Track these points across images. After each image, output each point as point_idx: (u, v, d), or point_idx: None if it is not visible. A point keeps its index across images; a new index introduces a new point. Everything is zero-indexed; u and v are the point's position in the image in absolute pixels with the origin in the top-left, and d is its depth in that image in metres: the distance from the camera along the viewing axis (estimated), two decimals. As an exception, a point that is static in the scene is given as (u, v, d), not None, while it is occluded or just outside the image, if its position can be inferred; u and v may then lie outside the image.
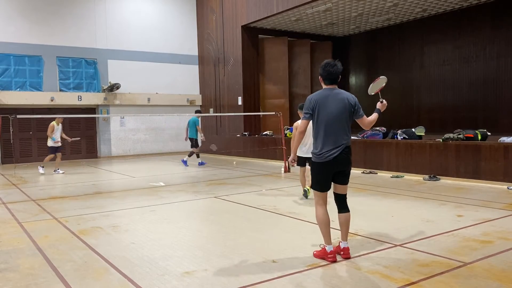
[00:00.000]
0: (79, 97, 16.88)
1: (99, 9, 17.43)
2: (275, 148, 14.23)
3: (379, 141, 11.28)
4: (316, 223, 4.43)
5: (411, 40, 16.83)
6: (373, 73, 18.74)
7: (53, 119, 12.65)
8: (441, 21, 15.49)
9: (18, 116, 10.91)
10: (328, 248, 4.28)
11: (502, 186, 8.38)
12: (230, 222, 6.12)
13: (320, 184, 4.36)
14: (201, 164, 13.93)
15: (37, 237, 5.41)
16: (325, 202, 4.40)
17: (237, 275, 3.95)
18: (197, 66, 19.98)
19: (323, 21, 16.39)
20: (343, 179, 4.40)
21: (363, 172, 10.99)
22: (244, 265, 4.25)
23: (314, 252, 4.45)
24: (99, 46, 17.42)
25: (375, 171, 10.96)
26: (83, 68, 17.15)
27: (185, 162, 13.87)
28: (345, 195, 4.47)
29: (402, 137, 10.74)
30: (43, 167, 12.57)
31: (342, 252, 4.35)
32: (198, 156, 14.14)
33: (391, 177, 10.20)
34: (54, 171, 12.56)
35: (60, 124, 12.50)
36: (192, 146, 13.98)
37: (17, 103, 15.58)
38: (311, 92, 18.53)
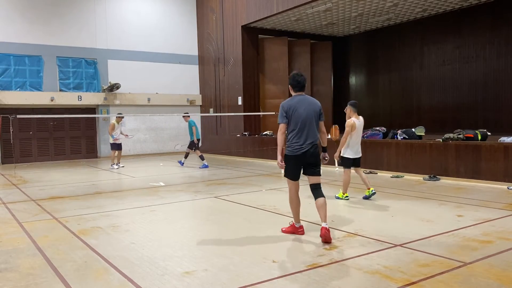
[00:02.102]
0: (79, 97, 16.88)
1: (99, 9, 17.43)
2: (275, 148, 14.22)
3: (379, 141, 11.28)
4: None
5: (411, 40, 16.83)
6: (373, 73, 18.77)
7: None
8: (441, 21, 15.49)
9: (18, 116, 10.94)
10: (297, 224, 5.22)
11: (502, 186, 8.39)
12: (230, 222, 6.12)
13: (292, 173, 5.19)
14: (180, 163, 13.96)
15: (37, 237, 5.41)
16: (297, 189, 5.27)
17: (237, 275, 3.95)
18: (197, 66, 19.98)
19: (323, 21, 16.39)
20: (313, 171, 5.19)
21: (363, 172, 10.98)
22: (244, 265, 4.25)
23: (283, 229, 5.31)
24: (99, 46, 17.42)
25: (375, 171, 10.96)
26: (83, 68, 17.15)
27: (203, 165, 13.51)
28: (319, 184, 5.23)
29: (402, 137, 10.75)
30: (112, 164, 13.73)
31: (321, 232, 4.93)
32: (186, 157, 13.97)
33: (391, 177, 10.20)
34: (111, 166, 13.64)
35: (120, 122, 13.67)
36: (192, 147, 13.74)
37: (17, 103, 15.59)
38: (311, 93, 18.72)
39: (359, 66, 19.72)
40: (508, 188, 8.22)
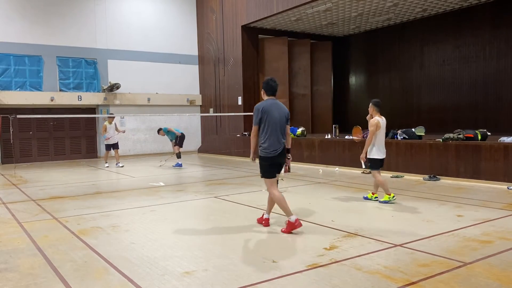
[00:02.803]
0: (79, 97, 16.88)
1: (99, 9, 17.43)
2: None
3: (360, 138, 11.25)
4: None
5: (411, 40, 16.83)
6: (373, 73, 18.77)
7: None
8: (441, 21, 15.49)
9: (18, 116, 10.94)
10: (292, 218, 5.36)
11: (502, 186, 8.39)
12: (230, 222, 6.12)
13: (270, 172, 5.53)
14: (178, 165, 13.73)
15: (37, 237, 5.41)
16: (276, 186, 5.61)
17: (237, 275, 3.95)
18: (197, 66, 19.97)
19: (323, 21, 16.39)
20: (279, 169, 5.67)
21: (363, 172, 10.98)
22: (244, 265, 4.25)
23: (283, 229, 5.45)
24: (99, 46, 17.42)
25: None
26: (83, 68, 17.14)
27: (179, 165, 13.57)
28: (277, 180, 5.71)
29: (402, 137, 10.75)
30: (106, 162, 14.05)
31: (264, 222, 5.69)
32: (179, 157, 13.82)
33: (391, 177, 10.19)
34: (116, 164, 13.89)
35: (112, 122, 13.80)
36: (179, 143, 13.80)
37: (17, 103, 15.58)
38: (311, 92, 18.70)
39: (359, 66, 19.71)
40: (508, 188, 8.22)
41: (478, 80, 14.75)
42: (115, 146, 13.87)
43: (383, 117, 7.26)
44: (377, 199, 7.30)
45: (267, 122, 5.40)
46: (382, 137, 7.20)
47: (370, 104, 7.25)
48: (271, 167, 5.49)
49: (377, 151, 7.12)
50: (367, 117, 7.40)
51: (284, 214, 5.51)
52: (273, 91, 5.64)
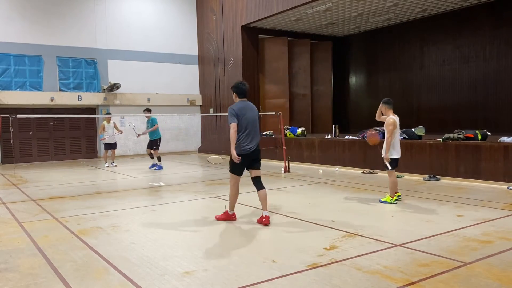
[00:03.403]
0: (79, 97, 16.88)
1: (99, 9, 17.43)
2: (275, 148, 14.23)
3: (379, 141, 11.25)
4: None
5: (411, 40, 16.82)
6: (373, 73, 18.76)
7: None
8: (441, 21, 15.48)
9: (18, 116, 10.92)
10: (230, 212, 6.07)
11: (502, 186, 8.39)
12: (230, 222, 6.12)
13: (239, 170, 5.89)
14: (154, 166, 13.18)
15: (37, 237, 5.41)
16: (239, 183, 6.01)
17: (237, 275, 3.95)
18: (197, 66, 19.97)
19: (323, 21, 16.39)
20: (257, 165, 5.99)
21: (363, 172, 10.99)
22: (244, 265, 4.25)
23: (217, 216, 6.10)
24: (99, 46, 17.42)
25: (375, 171, 10.96)
26: (83, 68, 17.15)
27: (158, 167, 13.06)
28: (260, 177, 6.01)
29: (402, 137, 10.72)
30: (106, 162, 14.03)
31: (264, 219, 5.77)
32: (152, 158, 13.28)
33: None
34: (111, 163, 13.96)
35: (111, 122, 13.70)
36: (153, 147, 13.04)
37: (17, 103, 15.58)
38: (311, 92, 18.70)
39: (359, 66, 19.71)
40: (508, 188, 8.22)
41: (478, 80, 14.74)
42: (112, 146, 13.88)
43: (396, 116, 7.21)
44: (400, 197, 7.18)
45: (243, 122, 5.77)
46: (398, 136, 7.15)
47: (381, 104, 7.19)
48: (242, 164, 5.83)
49: (395, 150, 7.07)
50: (377, 117, 7.33)
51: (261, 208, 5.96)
52: (245, 93, 6.02)
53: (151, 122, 13.01)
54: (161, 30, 18.88)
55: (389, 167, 7.06)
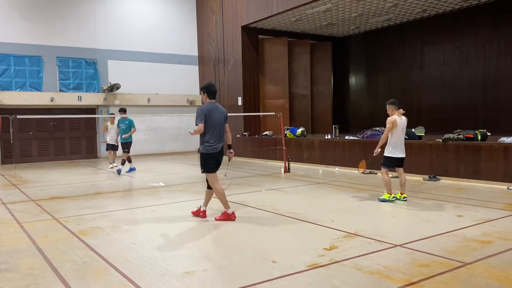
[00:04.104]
0: (79, 97, 16.88)
1: (99, 9, 17.44)
2: (275, 148, 14.23)
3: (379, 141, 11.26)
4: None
5: (411, 40, 16.83)
6: (373, 73, 18.77)
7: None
8: (441, 21, 15.49)
9: (18, 116, 10.92)
10: (229, 211, 6.11)
11: (502, 186, 8.39)
12: (230, 222, 6.12)
13: (212, 167, 6.09)
14: (131, 170, 12.60)
15: (37, 237, 5.41)
16: (218, 179, 6.15)
17: (237, 275, 3.95)
18: (197, 66, 19.98)
19: (323, 21, 16.40)
20: (219, 166, 6.21)
21: (363, 172, 10.98)
22: (244, 265, 4.25)
23: (216, 218, 6.14)
24: (99, 46, 17.42)
25: (375, 171, 10.95)
26: (83, 69, 17.15)
27: (133, 169, 12.61)
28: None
29: (402, 137, 10.73)
30: (112, 162, 13.65)
31: (201, 213, 6.32)
32: (130, 161, 12.80)
33: (391, 177, 10.15)
34: (110, 163, 13.61)
35: (114, 123, 13.00)
36: (125, 150, 12.31)
37: (17, 103, 15.58)
38: (311, 92, 18.70)
39: (359, 66, 19.72)
40: (508, 188, 8.22)
41: (478, 80, 14.75)
42: (114, 147, 13.40)
43: (403, 117, 7.27)
44: (405, 199, 7.23)
45: (210, 123, 5.99)
46: (400, 136, 7.17)
47: (387, 105, 7.30)
48: (213, 163, 6.06)
49: (393, 149, 7.14)
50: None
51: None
52: (214, 94, 6.23)
53: (129, 124, 12.33)
54: (161, 31, 18.88)
55: (374, 154, 7.30)
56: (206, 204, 6.39)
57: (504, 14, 13.89)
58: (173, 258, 4.48)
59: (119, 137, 12.70)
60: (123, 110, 12.40)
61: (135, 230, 5.72)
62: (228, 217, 6.12)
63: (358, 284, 3.68)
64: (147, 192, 8.96)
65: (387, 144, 7.20)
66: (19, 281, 3.94)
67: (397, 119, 7.14)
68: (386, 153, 7.21)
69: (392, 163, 7.20)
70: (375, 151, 7.39)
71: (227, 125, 6.33)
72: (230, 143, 6.48)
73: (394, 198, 7.17)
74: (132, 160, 13.26)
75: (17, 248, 4.98)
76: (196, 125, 5.98)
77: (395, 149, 7.14)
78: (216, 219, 6.14)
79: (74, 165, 15.39)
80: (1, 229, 5.97)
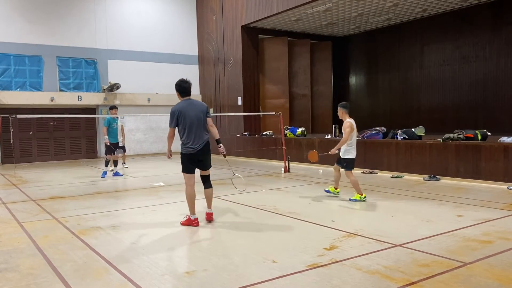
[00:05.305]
0: (79, 97, 16.88)
1: (99, 9, 17.43)
2: (275, 148, 14.23)
3: (379, 141, 11.28)
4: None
5: (411, 40, 16.83)
6: (373, 73, 18.77)
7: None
8: (441, 21, 15.49)
9: (18, 116, 10.92)
10: (193, 217, 5.82)
11: (502, 186, 8.38)
12: (230, 222, 6.12)
13: (188, 168, 5.85)
14: (116, 174, 11.78)
15: (37, 237, 5.41)
16: (193, 183, 5.89)
17: (237, 275, 3.95)
18: (197, 66, 19.98)
19: (323, 21, 16.39)
20: (205, 166, 5.94)
21: (363, 172, 10.99)
22: (244, 265, 4.25)
23: (181, 222, 5.89)
24: (99, 46, 17.42)
25: (375, 171, 10.96)
26: (83, 68, 17.15)
27: (116, 173, 11.77)
28: (208, 175, 6.04)
29: (402, 137, 10.75)
30: (124, 163, 13.29)
31: (206, 217, 5.99)
32: (116, 165, 12.20)
33: (391, 177, 10.19)
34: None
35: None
36: (114, 152, 11.49)
37: (17, 103, 15.58)
38: (311, 92, 18.70)
39: (359, 66, 19.71)
40: (508, 188, 8.22)
41: (478, 80, 14.75)
42: (122, 147, 12.46)
43: (351, 119, 7.49)
44: (338, 194, 7.68)
45: (184, 123, 5.69)
46: (355, 138, 7.43)
47: (339, 107, 7.48)
48: (189, 163, 5.83)
49: (353, 151, 7.36)
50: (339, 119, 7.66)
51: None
52: (187, 92, 5.87)
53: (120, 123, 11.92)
54: (161, 30, 18.88)
55: (330, 153, 7.52)
56: (209, 205, 6.10)
57: (504, 14, 13.89)
58: (173, 258, 4.48)
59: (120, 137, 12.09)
60: (115, 108, 11.69)
61: (135, 230, 5.72)
62: (190, 222, 5.81)
63: (358, 284, 3.68)
64: (147, 192, 8.96)
65: (346, 146, 7.35)
66: (19, 281, 3.94)
67: (353, 122, 7.35)
68: (348, 156, 7.36)
69: (353, 165, 7.43)
70: (331, 151, 7.55)
71: (209, 119, 5.91)
72: (217, 137, 6.03)
73: (366, 198, 7.32)
74: (126, 160, 13.12)
75: (17, 248, 4.98)
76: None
77: (354, 151, 7.38)
78: (181, 223, 5.88)
79: (74, 165, 15.38)
80: (1, 228, 5.97)
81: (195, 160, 5.83)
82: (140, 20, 18.37)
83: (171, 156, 6.14)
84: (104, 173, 11.57)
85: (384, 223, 5.84)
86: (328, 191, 7.84)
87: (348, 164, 7.38)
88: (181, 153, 5.85)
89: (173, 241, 5.21)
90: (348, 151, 7.33)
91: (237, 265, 4.23)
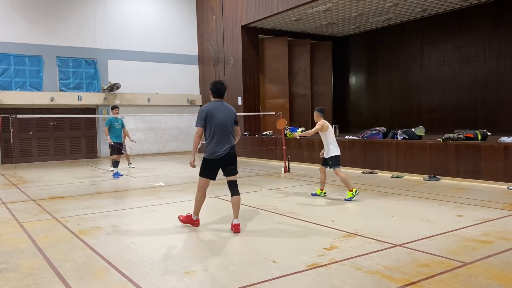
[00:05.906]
0: (79, 97, 16.88)
1: (99, 9, 17.43)
2: (275, 148, 14.23)
3: (379, 141, 11.28)
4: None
5: (411, 40, 16.83)
6: (373, 73, 18.77)
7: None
8: (441, 21, 15.49)
9: (18, 116, 10.92)
10: (195, 217, 5.72)
11: (502, 186, 8.38)
12: (230, 222, 6.11)
13: (207, 173, 5.54)
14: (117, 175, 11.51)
15: (37, 237, 5.41)
16: (206, 187, 5.65)
17: (237, 275, 3.95)
18: (197, 66, 19.98)
19: (323, 21, 16.39)
20: (231, 171, 5.54)
21: (363, 172, 10.99)
22: (244, 265, 4.25)
23: (180, 218, 5.79)
24: (99, 46, 17.42)
25: (375, 171, 10.96)
26: (83, 68, 17.15)
27: (116, 174, 11.50)
28: (235, 181, 5.61)
29: (402, 137, 10.75)
30: (130, 163, 13.36)
31: (233, 227, 5.46)
32: (117, 165, 11.74)
33: (391, 177, 10.19)
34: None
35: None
36: (118, 152, 11.55)
37: (17, 103, 15.58)
38: (311, 92, 18.69)
39: (359, 66, 19.71)
40: (508, 188, 8.22)
41: (478, 80, 14.75)
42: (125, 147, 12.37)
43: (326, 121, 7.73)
44: (325, 195, 7.77)
45: (212, 125, 5.41)
46: (333, 138, 7.61)
47: (315, 111, 7.71)
48: (210, 169, 5.52)
49: (335, 148, 7.49)
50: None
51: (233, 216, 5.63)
52: (220, 94, 5.59)
53: (122, 123, 11.87)
54: (161, 30, 18.88)
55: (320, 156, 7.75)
56: (235, 215, 5.59)
57: (504, 14, 13.89)
58: (173, 258, 4.48)
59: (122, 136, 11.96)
60: (117, 108, 11.72)
61: (135, 230, 5.72)
62: (191, 221, 5.74)
63: (358, 284, 3.68)
64: (147, 192, 8.96)
65: (328, 146, 7.51)
66: (19, 281, 3.94)
67: (326, 122, 7.59)
68: (333, 153, 7.47)
69: (339, 160, 7.54)
70: (300, 134, 8.19)
71: (238, 128, 5.66)
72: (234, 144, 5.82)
73: (358, 192, 7.44)
74: (131, 161, 13.16)
75: (17, 248, 4.98)
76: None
77: (337, 147, 7.52)
78: (180, 220, 5.82)
79: (74, 165, 15.38)
80: (1, 228, 5.97)
81: (219, 165, 5.50)
82: (140, 20, 18.37)
83: (194, 163, 5.63)
84: (116, 173, 11.45)
85: (384, 223, 5.84)
86: (315, 194, 7.90)
87: (334, 162, 7.47)
88: (204, 158, 5.53)
89: (173, 241, 5.21)
90: (331, 150, 7.47)
91: (237, 265, 4.23)
